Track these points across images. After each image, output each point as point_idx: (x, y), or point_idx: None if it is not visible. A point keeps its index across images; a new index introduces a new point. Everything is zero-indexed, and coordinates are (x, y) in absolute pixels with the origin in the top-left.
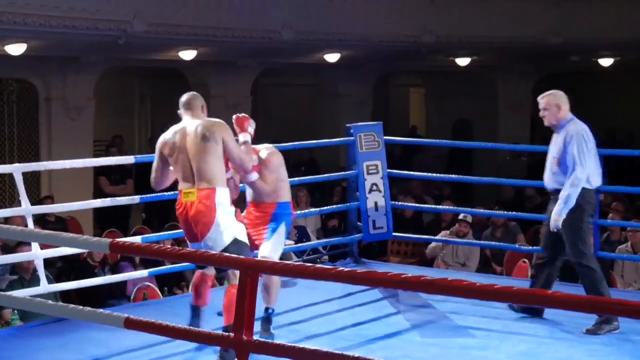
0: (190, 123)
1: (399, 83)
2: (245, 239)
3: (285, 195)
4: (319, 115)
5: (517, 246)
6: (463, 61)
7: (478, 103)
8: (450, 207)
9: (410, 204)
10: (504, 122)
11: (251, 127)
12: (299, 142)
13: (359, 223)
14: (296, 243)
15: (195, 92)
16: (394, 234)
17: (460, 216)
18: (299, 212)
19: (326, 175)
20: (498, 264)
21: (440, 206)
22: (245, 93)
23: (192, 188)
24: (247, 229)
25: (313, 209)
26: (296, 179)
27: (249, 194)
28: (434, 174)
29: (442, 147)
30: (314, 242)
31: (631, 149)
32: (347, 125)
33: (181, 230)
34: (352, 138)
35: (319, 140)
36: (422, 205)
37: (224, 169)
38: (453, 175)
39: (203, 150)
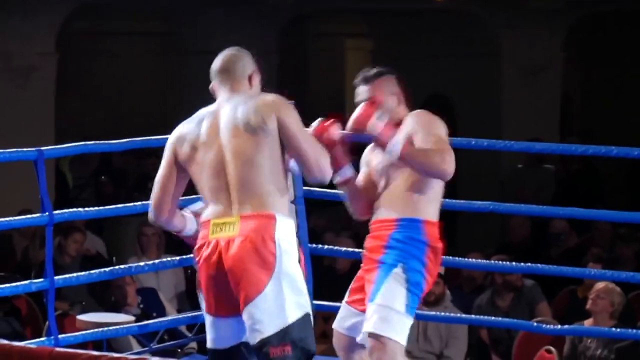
0: (226, 104)
1: (326, 32)
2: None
3: (431, 206)
4: (176, 89)
5: (533, 324)
6: None
7: (465, 68)
8: None
9: (345, 249)
10: (511, 102)
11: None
12: (145, 138)
13: None
14: (139, 319)
15: (238, 49)
16: (317, 302)
17: None
18: (143, 263)
19: (194, 196)
20: (501, 355)
21: None
22: (44, 48)
23: (228, 215)
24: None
25: (170, 258)
26: (140, 203)
27: (379, 204)
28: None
29: None
30: (171, 317)
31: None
32: None
33: None
34: None
35: None
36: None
37: (284, 180)
38: None
39: (248, 148)
